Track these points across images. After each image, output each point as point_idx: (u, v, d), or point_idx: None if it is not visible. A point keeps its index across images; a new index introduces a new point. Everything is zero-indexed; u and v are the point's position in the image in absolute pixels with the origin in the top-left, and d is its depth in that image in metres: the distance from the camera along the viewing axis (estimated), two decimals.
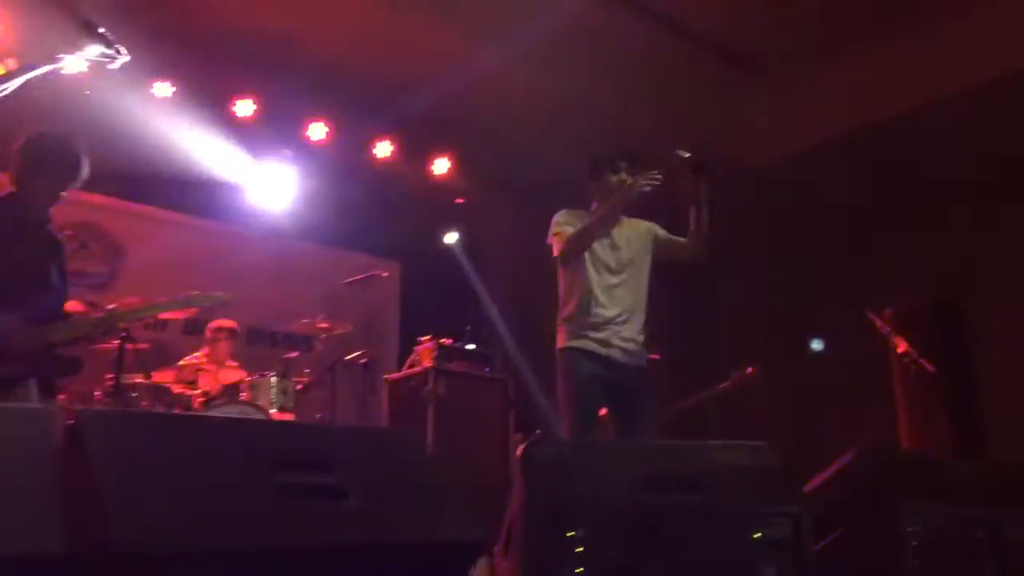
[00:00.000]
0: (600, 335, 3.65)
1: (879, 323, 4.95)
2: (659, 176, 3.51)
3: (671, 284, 3.83)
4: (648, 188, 3.51)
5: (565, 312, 3.78)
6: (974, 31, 6.99)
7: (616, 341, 3.66)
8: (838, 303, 5.21)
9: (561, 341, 3.74)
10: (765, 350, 7.22)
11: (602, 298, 3.69)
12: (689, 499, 2.18)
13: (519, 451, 2.14)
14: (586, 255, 3.72)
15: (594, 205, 3.84)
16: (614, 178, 3.73)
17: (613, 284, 3.72)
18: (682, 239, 3.80)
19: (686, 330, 3.50)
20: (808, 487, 2.46)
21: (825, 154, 7.74)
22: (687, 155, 3.58)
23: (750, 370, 5.84)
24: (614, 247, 3.78)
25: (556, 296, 3.89)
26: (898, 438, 6.48)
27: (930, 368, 4.95)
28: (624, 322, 3.70)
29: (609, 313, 3.68)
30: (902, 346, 4.95)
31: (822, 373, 7.49)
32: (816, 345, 7.15)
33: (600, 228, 3.70)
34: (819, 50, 7.59)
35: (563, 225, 3.77)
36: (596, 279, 3.71)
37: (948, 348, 6.59)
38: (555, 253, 3.79)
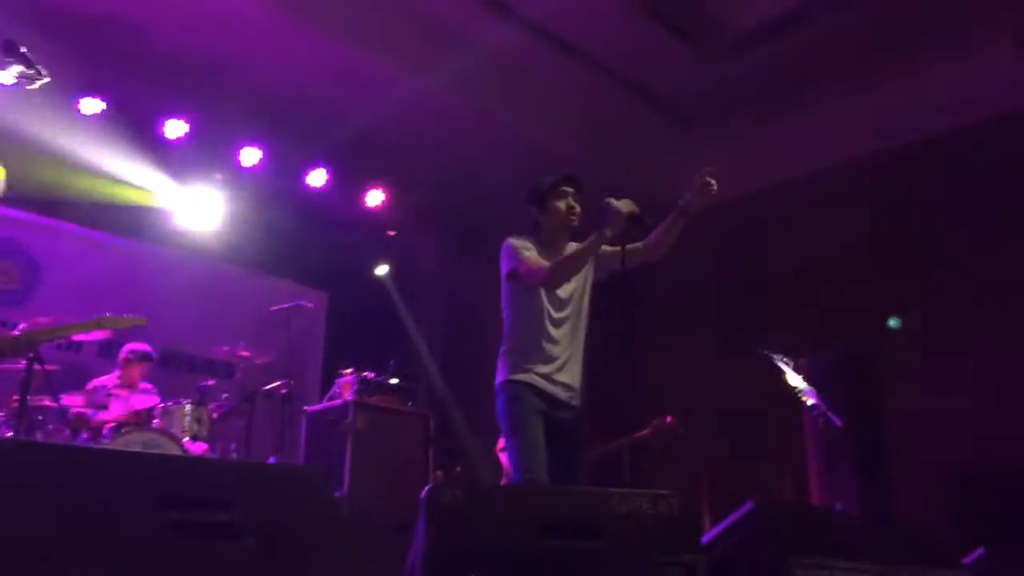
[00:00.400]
0: (546, 370, 3.55)
1: (786, 375, 5.07)
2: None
3: (591, 330, 3.79)
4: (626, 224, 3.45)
5: (511, 344, 3.64)
6: (884, 101, 7.37)
7: (560, 378, 3.58)
8: (752, 354, 5.31)
9: (504, 374, 3.60)
10: (685, 399, 7.35)
11: (552, 332, 3.59)
12: (588, 546, 2.21)
13: (422, 495, 2.14)
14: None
15: (543, 230, 3.73)
16: (561, 203, 3.67)
17: (561, 318, 3.63)
18: (638, 245, 3.74)
19: (606, 376, 3.43)
20: (705, 538, 2.50)
21: (746, 208, 7.97)
22: (618, 205, 3.48)
23: (668, 419, 5.91)
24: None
25: (485, 331, 3.89)
26: (808, 491, 6.64)
27: (838, 422, 5.09)
28: (568, 359, 3.62)
29: (556, 349, 3.59)
30: (811, 399, 5.07)
31: (739, 423, 7.65)
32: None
33: (583, 262, 3.59)
34: (742, 108, 7.86)
35: (526, 251, 3.60)
36: (547, 312, 3.60)
37: (858, 402, 6.81)
38: (531, 279, 3.56)
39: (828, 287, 8.02)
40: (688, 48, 7.40)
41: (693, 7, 7.12)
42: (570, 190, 3.70)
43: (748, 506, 2.48)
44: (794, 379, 5.16)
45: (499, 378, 3.62)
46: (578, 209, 3.69)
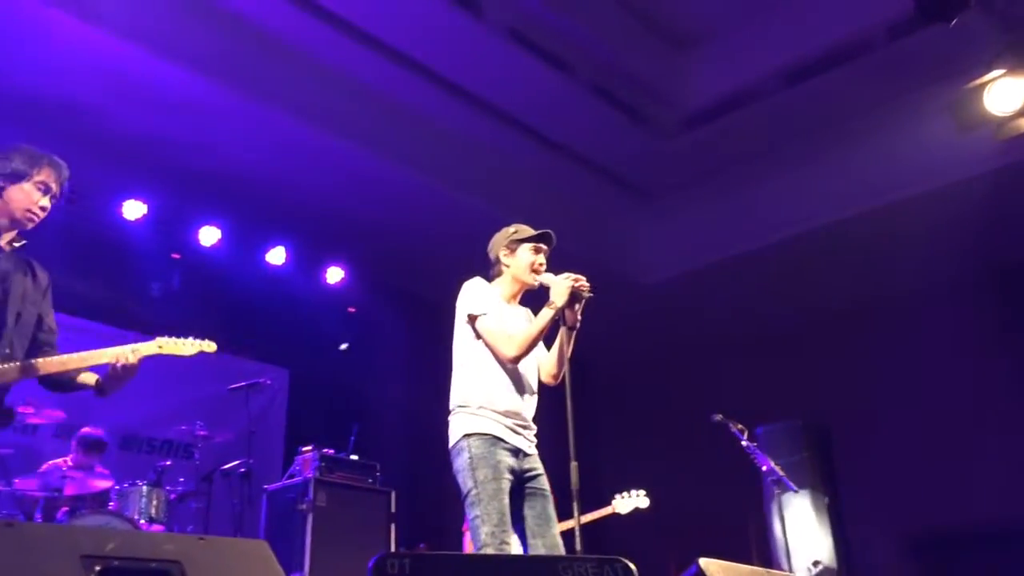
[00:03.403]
0: (508, 422, 3.44)
1: (740, 438, 5.15)
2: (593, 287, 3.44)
3: (547, 404, 3.76)
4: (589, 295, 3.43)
5: (469, 395, 3.49)
6: (840, 170, 7.56)
7: (525, 424, 3.50)
8: (710, 422, 5.40)
9: (464, 427, 3.44)
10: (646, 468, 7.39)
11: (511, 382, 3.50)
12: None
13: (369, 564, 2.16)
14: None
15: (502, 275, 3.70)
16: (532, 256, 3.64)
17: (514, 368, 3.53)
18: (546, 352, 3.69)
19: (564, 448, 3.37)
20: None
21: (700, 278, 8.14)
22: (556, 280, 3.43)
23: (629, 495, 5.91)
24: (515, 330, 3.60)
25: (447, 404, 3.61)
26: (772, 553, 6.67)
27: (792, 487, 5.16)
28: (527, 409, 3.54)
29: (514, 398, 3.49)
30: (766, 465, 5.15)
31: (703, 490, 7.69)
32: None
33: (540, 338, 3.50)
34: (698, 180, 8.08)
35: (483, 303, 3.54)
36: (501, 362, 3.50)
37: (817, 467, 6.91)
38: (495, 352, 3.51)
39: (784, 356, 8.17)
40: (641, 126, 7.65)
41: (644, 89, 7.38)
42: (544, 248, 3.69)
43: (693, 568, 2.53)
44: (748, 446, 5.24)
45: (457, 434, 3.46)
46: (544, 269, 3.64)
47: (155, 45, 5.88)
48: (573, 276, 3.49)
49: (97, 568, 1.65)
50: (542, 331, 3.48)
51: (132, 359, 3.09)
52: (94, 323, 7.28)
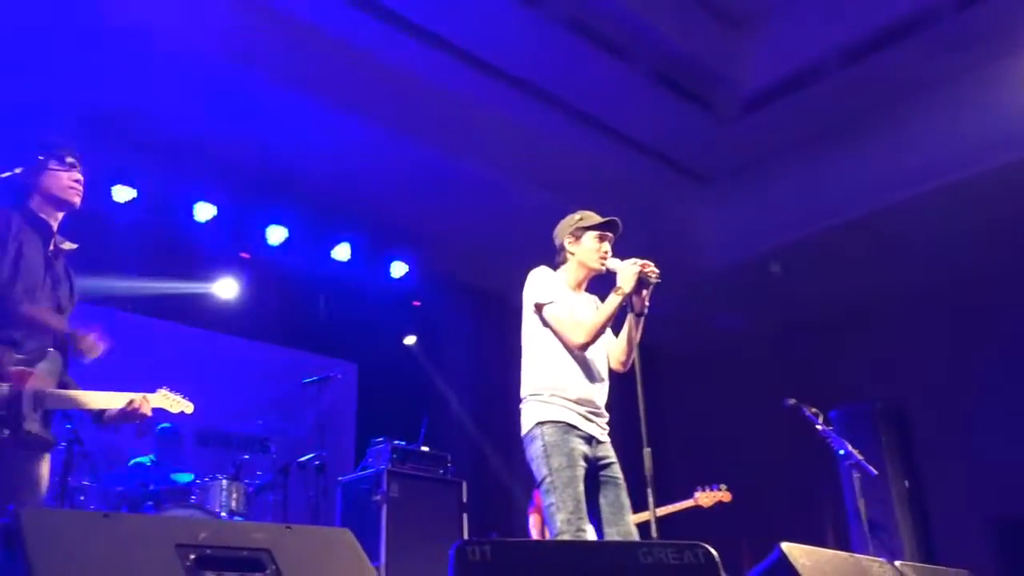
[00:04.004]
0: (581, 409, 3.44)
1: (815, 422, 5.06)
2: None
3: (616, 391, 3.74)
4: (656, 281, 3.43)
5: (540, 383, 3.49)
6: (913, 142, 7.35)
7: (594, 417, 3.49)
8: (782, 407, 5.31)
9: (537, 415, 3.44)
10: (719, 454, 7.32)
11: (582, 370, 3.50)
12: None
13: (451, 551, 2.19)
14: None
15: (568, 263, 3.70)
16: (598, 243, 3.64)
17: (583, 355, 3.52)
18: (615, 339, 3.69)
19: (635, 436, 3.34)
20: None
21: (769, 261, 8.00)
22: (622, 265, 3.44)
23: (717, 488, 5.85)
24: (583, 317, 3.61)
25: (514, 394, 3.62)
26: (849, 539, 6.55)
27: (872, 472, 5.05)
28: (598, 397, 3.54)
29: (585, 385, 3.49)
30: (843, 448, 5.05)
31: (775, 476, 7.58)
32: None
33: (608, 324, 3.51)
34: (759, 163, 7.95)
35: (549, 291, 3.55)
36: (571, 349, 3.50)
37: (895, 450, 6.76)
38: (563, 340, 3.52)
39: (857, 337, 7.99)
40: (700, 111, 7.55)
41: (703, 73, 7.27)
42: (609, 235, 3.69)
43: (776, 553, 2.50)
44: (824, 430, 5.14)
45: (529, 422, 3.47)
46: (609, 256, 3.64)
47: (222, 49, 6.00)
48: (640, 261, 3.47)
49: (192, 556, 1.70)
50: (610, 317, 3.48)
51: (145, 408, 3.19)
52: (167, 322, 7.50)
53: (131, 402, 3.12)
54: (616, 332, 3.68)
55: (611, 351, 3.68)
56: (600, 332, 3.51)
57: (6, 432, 2.72)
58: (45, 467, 2.97)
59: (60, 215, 3.18)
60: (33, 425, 2.83)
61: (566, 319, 3.52)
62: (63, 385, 3.04)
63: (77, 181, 3.18)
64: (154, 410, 3.27)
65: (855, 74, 6.93)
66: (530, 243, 4.25)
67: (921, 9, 6.43)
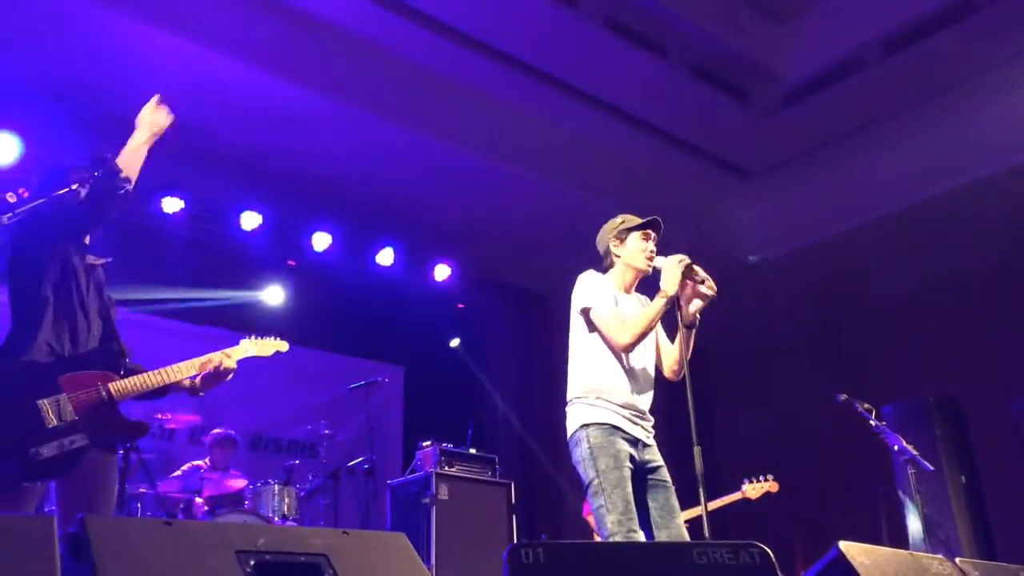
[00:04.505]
0: (626, 412, 3.42)
1: (868, 418, 4.98)
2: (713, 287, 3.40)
3: (664, 390, 3.72)
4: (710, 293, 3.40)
5: (586, 386, 3.48)
6: (958, 131, 7.20)
7: (639, 420, 3.47)
8: (834, 403, 5.24)
9: (582, 417, 3.43)
10: (771, 452, 7.24)
11: (628, 375, 3.48)
12: None
13: (504, 554, 2.19)
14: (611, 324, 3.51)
15: (615, 266, 3.68)
16: (643, 244, 3.62)
17: (631, 358, 3.51)
18: (670, 347, 3.66)
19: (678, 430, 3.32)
20: None
21: (814, 254, 7.89)
22: (666, 262, 3.40)
23: (765, 479, 5.80)
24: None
25: (560, 396, 3.61)
26: (906, 536, 6.44)
27: (928, 467, 4.96)
28: (643, 401, 3.52)
29: (631, 388, 3.47)
30: (898, 444, 4.97)
31: (829, 473, 7.48)
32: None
33: (654, 325, 3.48)
34: (802, 156, 7.85)
35: (596, 295, 3.53)
36: (618, 351, 3.48)
37: (951, 445, 6.63)
38: (608, 343, 3.50)
39: (907, 331, 7.86)
40: (741, 105, 7.49)
41: (742, 67, 7.21)
42: (653, 235, 3.66)
43: (833, 552, 2.47)
44: (877, 426, 5.06)
45: (575, 425, 3.46)
46: (654, 256, 3.61)
47: (263, 61, 6.08)
48: (682, 257, 3.43)
49: (252, 562, 1.73)
50: (654, 319, 3.45)
51: (228, 363, 3.19)
52: (216, 329, 7.61)
53: (209, 361, 3.12)
54: (672, 338, 3.66)
55: (665, 358, 3.66)
56: (644, 333, 3.47)
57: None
58: (115, 472, 2.99)
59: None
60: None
61: (611, 319, 3.50)
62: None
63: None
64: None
65: (896, 64, 6.84)
66: (572, 243, 4.25)
67: None
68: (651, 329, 3.51)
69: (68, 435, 2.70)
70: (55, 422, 2.69)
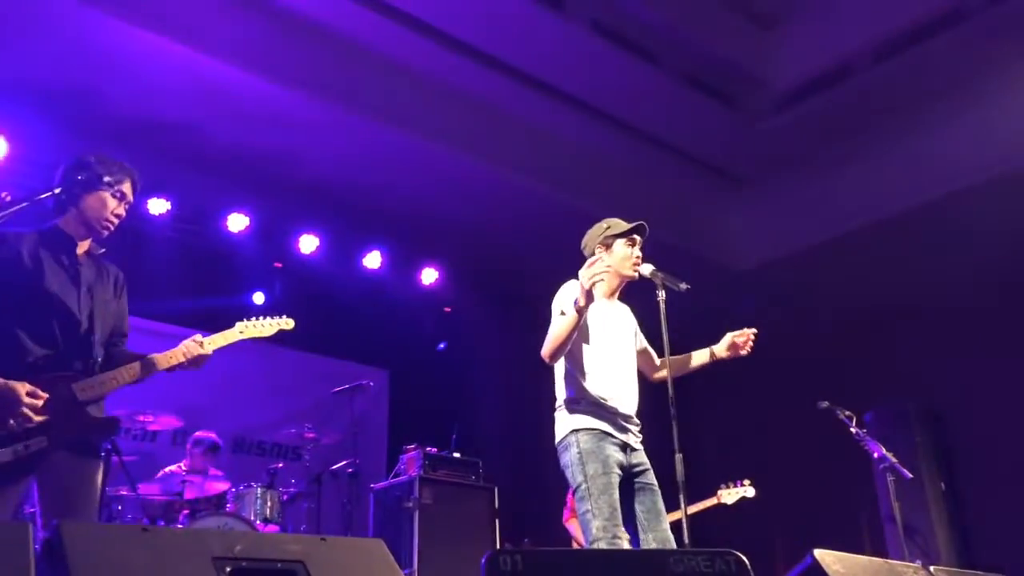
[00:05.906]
0: (615, 417, 3.45)
1: (849, 425, 5.02)
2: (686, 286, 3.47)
3: (647, 396, 3.74)
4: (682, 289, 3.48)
5: (574, 391, 3.49)
6: (947, 139, 7.23)
7: (627, 425, 3.50)
8: (816, 410, 5.27)
9: (571, 423, 3.44)
10: (752, 458, 7.26)
11: (612, 379, 3.51)
12: None
13: (482, 561, 2.20)
14: (591, 332, 3.54)
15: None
16: (628, 249, 3.64)
17: (616, 364, 3.55)
18: (654, 354, 3.72)
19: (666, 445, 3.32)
20: None
21: (801, 262, 7.93)
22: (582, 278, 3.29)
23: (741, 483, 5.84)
24: (615, 326, 3.65)
25: (545, 400, 3.66)
26: (884, 543, 6.49)
27: (907, 474, 5.00)
28: (629, 405, 3.55)
29: (618, 393, 3.50)
30: (878, 451, 5.01)
31: (810, 480, 7.51)
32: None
33: (567, 339, 3.40)
34: (790, 163, 7.88)
35: (569, 303, 3.44)
36: (603, 357, 3.52)
37: (931, 453, 6.68)
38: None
39: (889, 339, 7.89)
40: (729, 111, 7.51)
41: (731, 73, 7.24)
42: (638, 239, 3.68)
43: (808, 560, 2.49)
44: (858, 433, 5.10)
45: (564, 429, 3.47)
46: (640, 262, 3.64)
47: (251, 62, 6.07)
48: (597, 268, 3.27)
49: (228, 569, 1.74)
50: (563, 333, 3.37)
51: (204, 350, 3.19)
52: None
53: (185, 353, 3.16)
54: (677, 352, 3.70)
55: (649, 367, 3.75)
56: (557, 347, 3.40)
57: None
58: (99, 476, 2.95)
59: (85, 243, 3.09)
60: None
61: (552, 331, 3.46)
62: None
63: (118, 216, 3.09)
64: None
65: (887, 71, 6.86)
66: (560, 248, 4.25)
67: (950, 5, 6.35)
68: (565, 343, 3.41)
69: (24, 439, 2.67)
70: (13, 427, 2.66)
